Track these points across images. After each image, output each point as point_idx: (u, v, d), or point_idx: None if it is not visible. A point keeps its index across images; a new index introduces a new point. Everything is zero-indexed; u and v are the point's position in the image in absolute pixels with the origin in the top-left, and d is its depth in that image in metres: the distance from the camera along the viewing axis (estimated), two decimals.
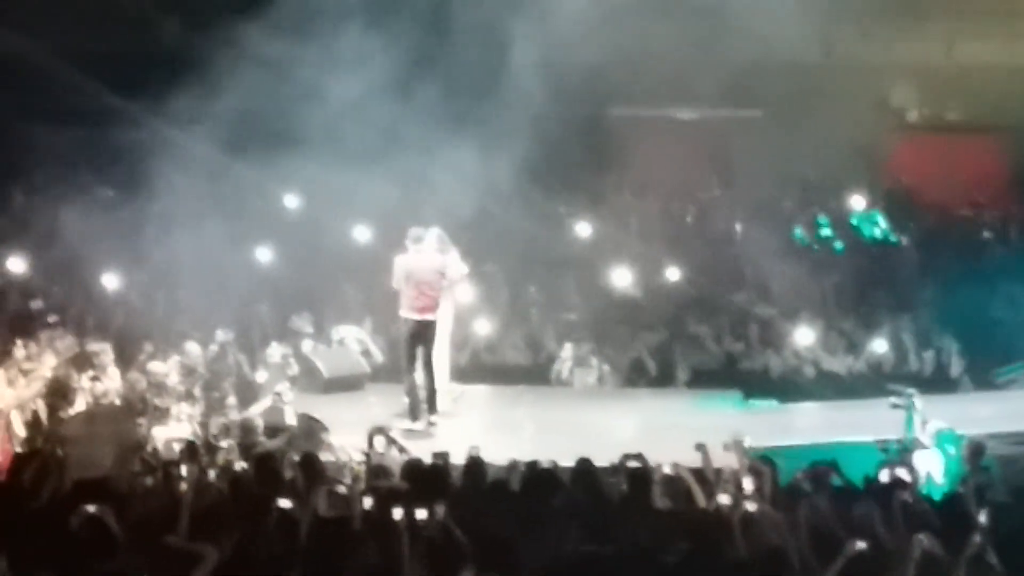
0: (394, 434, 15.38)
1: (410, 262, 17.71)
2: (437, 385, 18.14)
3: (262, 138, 23.40)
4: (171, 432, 17.00)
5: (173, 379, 18.36)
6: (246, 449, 15.44)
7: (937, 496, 13.47)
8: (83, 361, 18.63)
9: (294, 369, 19.80)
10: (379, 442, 14.80)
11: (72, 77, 24.14)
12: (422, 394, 17.88)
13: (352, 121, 23.55)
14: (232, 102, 23.36)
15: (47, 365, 18.24)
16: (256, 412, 17.26)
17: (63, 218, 22.93)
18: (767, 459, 13.60)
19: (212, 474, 13.83)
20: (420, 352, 17.86)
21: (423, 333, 17.78)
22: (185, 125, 23.88)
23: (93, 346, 18.92)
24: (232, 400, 18.23)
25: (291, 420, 16.92)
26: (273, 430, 16.63)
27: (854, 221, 26.13)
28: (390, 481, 13.30)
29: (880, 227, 25.75)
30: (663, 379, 21.15)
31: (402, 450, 15.14)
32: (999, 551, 10.87)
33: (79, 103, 24.48)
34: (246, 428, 16.43)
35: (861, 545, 10.51)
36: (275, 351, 19.89)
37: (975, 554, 10.83)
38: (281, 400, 17.22)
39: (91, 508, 10.66)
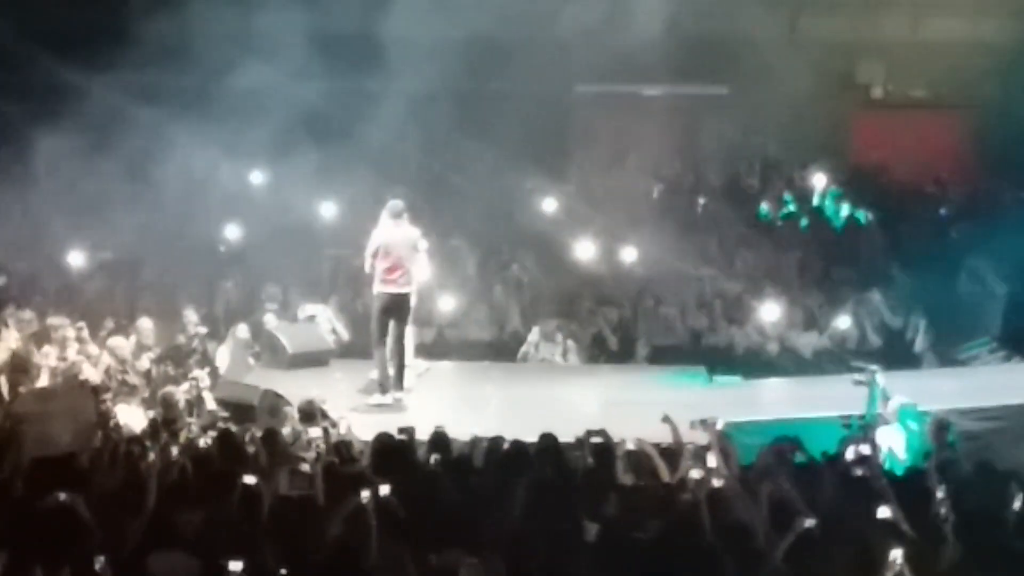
0: (332, 407, 15.45)
1: (387, 235, 17.60)
2: (408, 362, 18.13)
3: (228, 114, 23.38)
4: (134, 410, 16.96)
5: (136, 354, 18.34)
6: (167, 424, 15.38)
7: (899, 471, 13.54)
8: (44, 336, 18.57)
9: (254, 347, 19.78)
10: (308, 417, 14.89)
11: (33, 52, 24.00)
12: (391, 369, 17.85)
13: (319, 97, 23.58)
14: (200, 78, 23.35)
15: (9, 340, 18.18)
16: (179, 393, 17.19)
17: (26, 194, 22.85)
18: (727, 436, 13.64)
19: (175, 451, 13.80)
20: (392, 326, 17.80)
21: (397, 306, 17.70)
22: (150, 100, 23.84)
23: (54, 321, 18.86)
24: (196, 375, 18.14)
25: (211, 405, 16.86)
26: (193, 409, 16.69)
27: (817, 200, 26.18)
28: (352, 457, 13.33)
29: (845, 204, 25.78)
30: (624, 354, 21.15)
31: (334, 424, 15.18)
32: (960, 526, 10.95)
33: (40, 78, 24.35)
34: (167, 403, 16.40)
35: (811, 522, 10.55)
36: (242, 329, 19.88)
37: (934, 529, 10.92)
38: (197, 386, 17.15)
39: (62, 496, 10.60)
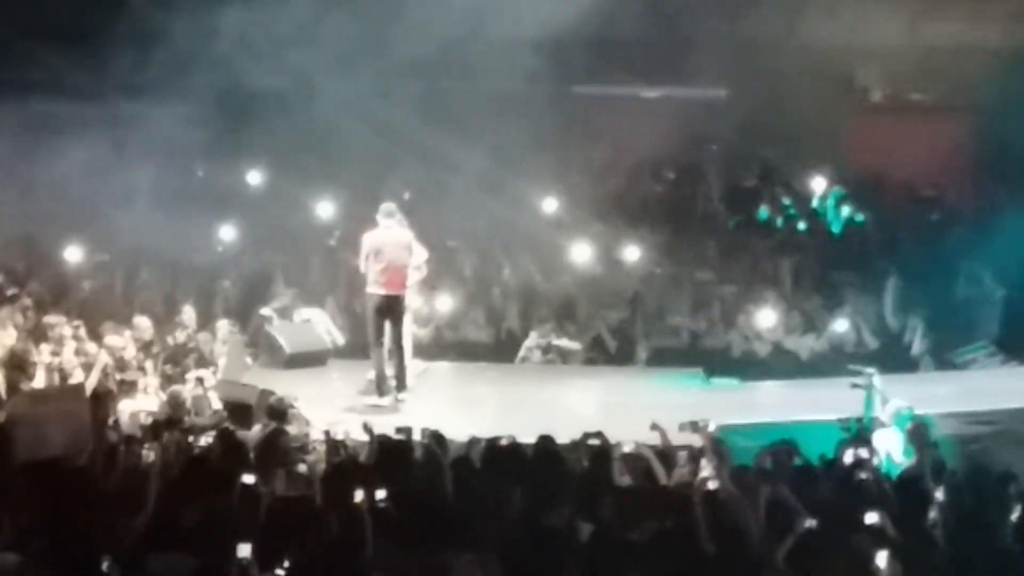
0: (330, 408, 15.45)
1: (380, 237, 17.61)
2: (407, 363, 18.13)
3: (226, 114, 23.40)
4: (137, 405, 16.96)
5: (130, 352, 18.33)
6: (171, 424, 15.38)
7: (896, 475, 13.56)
8: (41, 334, 18.55)
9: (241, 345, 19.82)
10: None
11: (33, 49, 23.98)
12: (390, 370, 17.85)
13: (316, 98, 23.57)
14: (197, 77, 23.35)
15: (6, 338, 18.16)
16: (186, 392, 17.17)
17: (24, 192, 22.86)
18: (718, 439, 13.62)
19: (173, 449, 13.81)
20: (389, 328, 17.81)
21: (391, 308, 17.71)
22: (148, 100, 23.84)
23: (51, 319, 18.84)
24: (201, 375, 18.13)
25: (216, 404, 16.88)
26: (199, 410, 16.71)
27: (816, 204, 26.20)
28: (351, 458, 13.37)
29: (843, 208, 25.81)
30: (623, 357, 21.16)
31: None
32: (955, 529, 10.97)
33: (40, 76, 24.33)
34: (174, 402, 16.40)
35: (811, 522, 10.57)
36: (222, 325, 19.88)
37: (924, 532, 10.95)
38: (203, 385, 17.14)
39: None
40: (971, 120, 26.79)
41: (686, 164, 27.99)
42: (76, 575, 9.77)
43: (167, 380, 18.10)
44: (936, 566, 10.54)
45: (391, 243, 17.59)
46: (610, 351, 21.19)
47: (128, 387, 17.41)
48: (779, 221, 25.80)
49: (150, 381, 17.94)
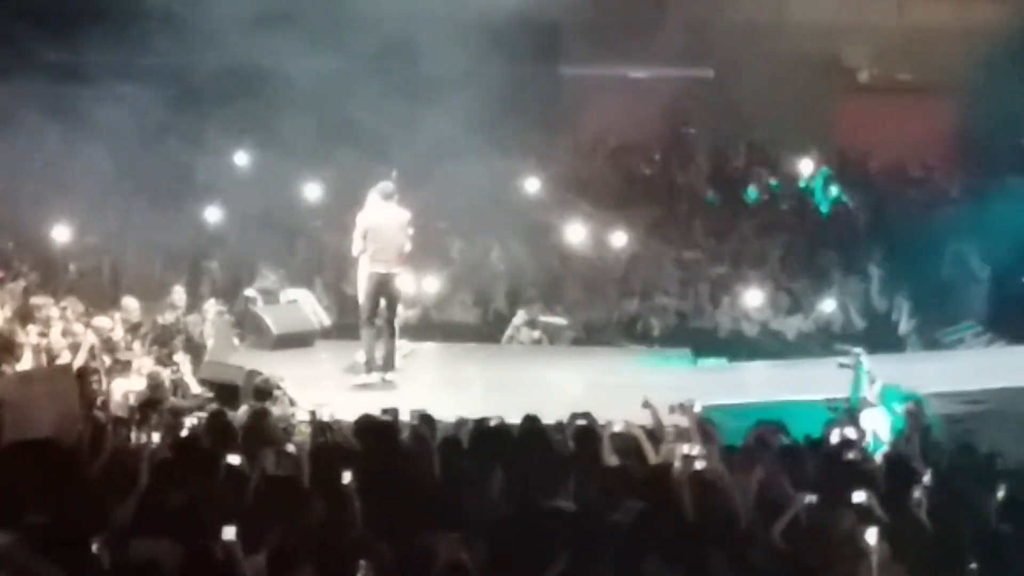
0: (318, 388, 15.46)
1: (377, 216, 17.64)
2: (397, 343, 18.15)
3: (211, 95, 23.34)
4: (130, 385, 16.93)
5: (118, 333, 18.30)
6: (153, 404, 15.36)
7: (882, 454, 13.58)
8: (28, 315, 18.51)
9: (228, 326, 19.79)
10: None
11: (17, 30, 23.87)
12: (379, 351, 17.86)
13: (299, 78, 23.52)
14: (184, 57, 23.29)
15: None
16: (164, 374, 17.16)
17: (9, 173, 22.78)
18: (706, 419, 13.63)
19: (163, 432, 13.78)
20: (383, 307, 17.83)
21: (387, 286, 17.76)
22: (134, 80, 23.78)
23: (38, 300, 18.80)
24: (181, 356, 18.12)
25: (195, 389, 16.86)
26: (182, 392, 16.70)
27: (803, 184, 26.18)
28: (336, 439, 13.35)
29: (830, 188, 25.80)
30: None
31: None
32: (941, 509, 11.00)
33: (23, 56, 24.23)
34: (152, 383, 16.38)
35: (811, 498, 10.60)
36: (210, 305, 19.85)
37: (911, 511, 10.97)
38: (179, 370, 17.13)
39: None
40: (959, 101, 26.75)
41: (673, 144, 27.93)
42: (66, 557, 9.73)
43: (157, 361, 18.09)
44: (923, 544, 10.56)
45: (389, 222, 17.62)
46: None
47: (121, 367, 17.39)
48: (766, 202, 25.76)
49: (144, 362, 17.90)
